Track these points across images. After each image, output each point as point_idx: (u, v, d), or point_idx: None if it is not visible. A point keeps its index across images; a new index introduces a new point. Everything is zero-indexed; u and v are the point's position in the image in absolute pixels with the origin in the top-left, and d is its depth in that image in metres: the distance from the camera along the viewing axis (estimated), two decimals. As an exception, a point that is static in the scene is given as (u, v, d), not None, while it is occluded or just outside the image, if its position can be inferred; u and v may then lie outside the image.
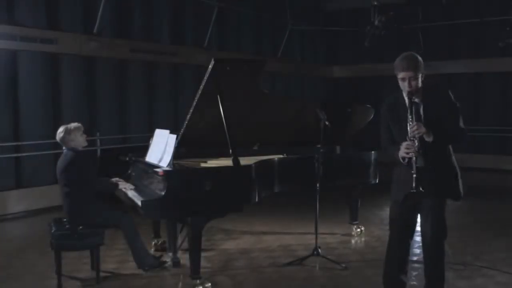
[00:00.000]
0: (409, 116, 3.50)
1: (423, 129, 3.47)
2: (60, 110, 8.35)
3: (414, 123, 3.47)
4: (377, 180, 5.99)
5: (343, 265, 5.07)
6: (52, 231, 4.59)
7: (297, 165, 5.24)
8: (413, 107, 3.54)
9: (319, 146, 5.19)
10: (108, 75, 9.08)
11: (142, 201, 4.24)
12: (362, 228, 6.35)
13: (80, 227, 4.60)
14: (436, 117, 3.56)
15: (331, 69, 14.58)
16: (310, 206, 5.31)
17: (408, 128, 3.49)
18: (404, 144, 3.50)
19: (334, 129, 5.28)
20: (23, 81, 7.90)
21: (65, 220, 4.79)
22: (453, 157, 3.71)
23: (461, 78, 12.71)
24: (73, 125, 4.90)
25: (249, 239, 6.19)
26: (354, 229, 6.33)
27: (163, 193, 4.18)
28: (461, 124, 3.63)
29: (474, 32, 12.20)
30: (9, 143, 7.77)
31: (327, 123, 5.09)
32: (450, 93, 3.67)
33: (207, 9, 10.61)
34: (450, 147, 3.70)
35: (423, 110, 3.61)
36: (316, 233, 5.26)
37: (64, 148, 4.88)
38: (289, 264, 5.18)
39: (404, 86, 3.59)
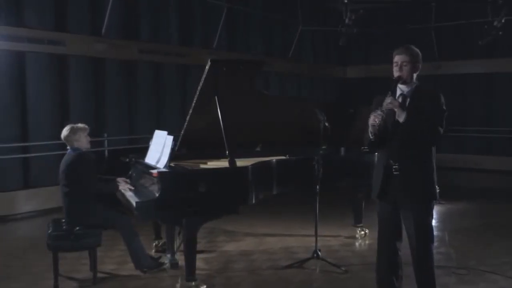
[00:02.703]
0: (389, 92, 3.53)
1: (396, 103, 3.49)
2: (67, 111, 8.41)
3: (391, 98, 3.51)
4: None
5: (343, 268, 5.00)
6: (49, 231, 4.60)
7: (296, 166, 5.17)
8: (397, 91, 3.60)
9: (321, 147, 5.13)
10: (116, 76, 9.12)
11: (136, 202, 4.23)
12: (366, 231, 6.26)
13: (77, 228, 4.61)
14: (418, 112, 3.53)
15: (343, 69, 14.47)
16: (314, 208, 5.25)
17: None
18: (373, 113, 3.53)
19: (336, 130, 5.21)
20: (31, 82, 7.97)
21: (63, 220, 4.81)
22: (432, 160, 3.63)
23: (474, 78, 12.51)
24: (80, 125, 4.94)
25: (251, 241, 6.15)
26: (358, 231, 6.25)
27: (157, 194, 4.17)
28: (439, 127, 3.53)
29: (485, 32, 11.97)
30: (17, 143, 7.85)
31: (326, 124, 5.02)
32: (442, 98, 3.61)
33: (216, 9, 10.60)
34: (433, 150, 3.63)
35: (409, 103, 3.58)
36: (316, 235, 5.20)
37: (68, 147, 4.91)
38: (289, 266, 5.12)
39: (395, 71, 3.59)
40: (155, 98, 9.79)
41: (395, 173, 3.60)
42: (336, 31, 10.66)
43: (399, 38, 11.98)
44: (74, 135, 4.86)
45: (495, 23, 9.32)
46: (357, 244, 6.08)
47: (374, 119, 3.50)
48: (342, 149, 6.26)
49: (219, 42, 10.76)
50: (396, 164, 3.59)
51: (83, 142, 4.92)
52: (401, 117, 3.50)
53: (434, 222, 6.95)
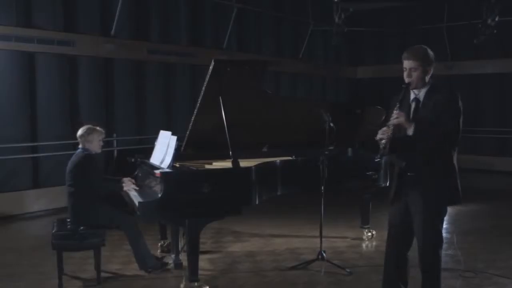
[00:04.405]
0: (397, 103, 3.43)
1: (402, 119, 3.38)
2: (77, 112, 8.46)
3: (398, 111, 3.40)
4: (388, 183, 5.84)
5: (348, 270, 4.95)
6: (53, 231, 4.62)
7: (301, 167, 5.13)
8: (406, 97, 3.51)
9: (328, 147, 5.08)
10: (125, 77, 9.15)
11: (139, 202, 4.23)
12: (373, 232, 6.21)
13: (82, 228, 4.63)
14: (428, 116, 3.43)
15: (354, 69, 14.39)
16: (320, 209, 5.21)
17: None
18: (381, 129, 3.44)
19: (343, 130, 5.17)
20: (40, 83, 8.03)
21: (68, 220, 4.83)
22: (449, 161, 3.51)
23: (487, 78, 12.35)
24: (97, 128, 5.01)
25: (257, 242, 6.12)
26: (365, 233, 6.20)
27: (160, 194, 4.16)
28: (448, 130, 3.39)
29: (499, 31, 11.84)
30: (27, 143, 7.91)
31: (331, 124, 4.97)
32: (455, 98, 3.44)
33: (226, 9, 10.58)
34: (454, 153, 3.54)
35: (420, 107, 3.49)
36: (321, 236, 5.15)
37: (79, 146, 4.93)
38: (293, 268, 5.09)
39: (405, 77, 3.50)
40: (164, 98, 9.80)
41: (409, 174, 3.54)
42: (347, 31, 10.64)
43: (411, 38, 11.94)
44: (88, 135, 4.90)
45: (488, 21, 9.23)
46: (363, 245, 6.03)
47: (380, 137, 3.43)
48: (349, 149, 6.22)
49: (229, 42, 10.76)
50: (410, 166, 3.52)
51: (95, 145, 4.95)
52: (409, 130, 3.39)
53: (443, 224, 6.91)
